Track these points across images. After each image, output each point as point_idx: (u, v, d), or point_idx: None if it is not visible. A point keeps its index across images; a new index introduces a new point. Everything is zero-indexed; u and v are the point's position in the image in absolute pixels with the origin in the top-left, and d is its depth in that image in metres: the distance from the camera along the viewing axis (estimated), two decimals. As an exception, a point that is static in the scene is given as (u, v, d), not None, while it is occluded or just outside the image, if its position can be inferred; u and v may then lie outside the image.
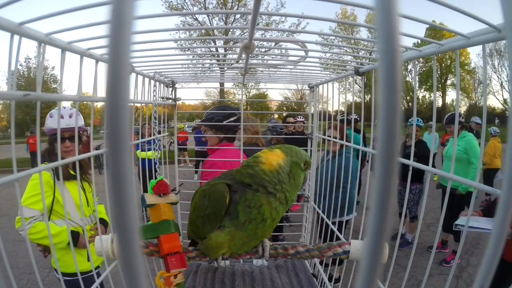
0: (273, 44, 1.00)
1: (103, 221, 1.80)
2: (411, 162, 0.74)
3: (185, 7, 17.26)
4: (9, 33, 0.47)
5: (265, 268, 1.14)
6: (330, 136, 1.40)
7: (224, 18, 17.01)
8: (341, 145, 1.18)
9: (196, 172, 7.17)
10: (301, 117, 4.71)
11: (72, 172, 1.60)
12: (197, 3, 17.54)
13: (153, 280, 0.80)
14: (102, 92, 0.71)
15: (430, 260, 0.68)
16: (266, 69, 1.25)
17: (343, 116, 2.56)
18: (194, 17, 16.22)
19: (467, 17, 0.51)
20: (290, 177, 0.77)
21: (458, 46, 0.58)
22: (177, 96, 1.43)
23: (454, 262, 0.65)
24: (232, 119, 1.76)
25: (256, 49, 0.65)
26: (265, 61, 1.25)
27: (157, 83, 1.15)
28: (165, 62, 0.98)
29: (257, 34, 0.63)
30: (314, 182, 1.51)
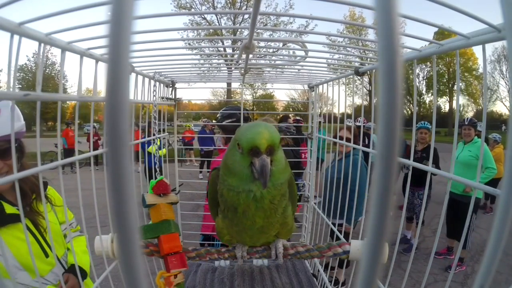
0: (276, 44, 1.00)
1: (75, 270, 0.93)
2: (411, 162, 0.74)
3: (193, 6, 17.34)
4: (9, 33, 0.47)
5: (265, 268, 1.14)
6: (342, 137, 1.38)
7: (232, 18, 17.06)
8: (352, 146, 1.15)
9: (200, 171, 7.19)
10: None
11: (9, 209, 0.96)
12: (206, 2, 17.63)
13: (153, 280, 0.80)
14: (102, 91, 0.71)
15: (429, 264, 0.67)
16: (267, 69, 1.25)
17: (354, 119, 2.53)
18: (203, 16, 16.31)
19: (467, 17, 0.51)
20: (226, 156, 0.73)
21: (458, 46, 0.58)
22: (178, 96, 1.43)
23: (453, 266, 0.65)
24: (229, 120, 1.76)
25: (256, 49, 0.65)
26: (266, 61, 1.25)
27: (157, 83, 1.15)
28: (165, 62, 0.98)
29: (265, 35, 0.63)
30: (313, 182, 1.51)
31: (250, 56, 0.81)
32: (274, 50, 1.16)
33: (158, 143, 1.17)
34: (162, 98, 1.30)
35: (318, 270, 1.26)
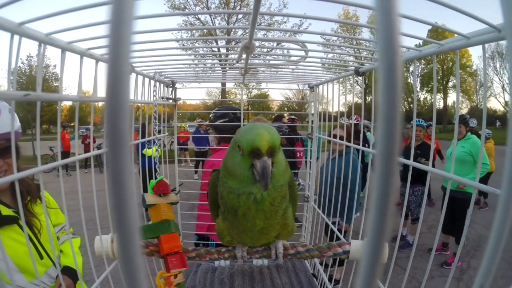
0: (273, 44, 1.00)
1: (69, 271, 1.09)
2: (411, 162, 0.74)
3: (187, 6, 17.27)
4: (9, 33, 0.47)
5: (265, 268, 1.14)
6: (336, 135, 1.39)
7: (226, 18, 17.02)
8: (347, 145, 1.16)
9: (196, 172, 7.21)
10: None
11: (5, 211, 0.96)
12: (200, 3, 17.56)
13: (153, 280, 0.80)
14: (102, 92, 0.71)
15: (430, 262, 0.68)
16: (267, 69, 1.25)
17: (347, 118, 2.52)
18: (197, 16, 16.23)
19: (467, 17, 0.51)
20: (226, 158, 0.73)
21: (458, 46, 0.58)
22: (177, 96, 1.43)
23: (454, 265, 0.65)
24: (222, 120, 1.75)
25: (257, 49, 0.65)
26: (266, 61, 1.25)
27: (157, 83, 1.15)
28: (165, 62, 0.98)
29: (259, 34, 0.63)
30: (313, 182, 1.51)
31: (250, 56, 0.81)
32: (269, 50, 1.15)
33: (159, 144, 1.17)
34: (162, 98, 1.30)
35: (318, 270, 1.26)
